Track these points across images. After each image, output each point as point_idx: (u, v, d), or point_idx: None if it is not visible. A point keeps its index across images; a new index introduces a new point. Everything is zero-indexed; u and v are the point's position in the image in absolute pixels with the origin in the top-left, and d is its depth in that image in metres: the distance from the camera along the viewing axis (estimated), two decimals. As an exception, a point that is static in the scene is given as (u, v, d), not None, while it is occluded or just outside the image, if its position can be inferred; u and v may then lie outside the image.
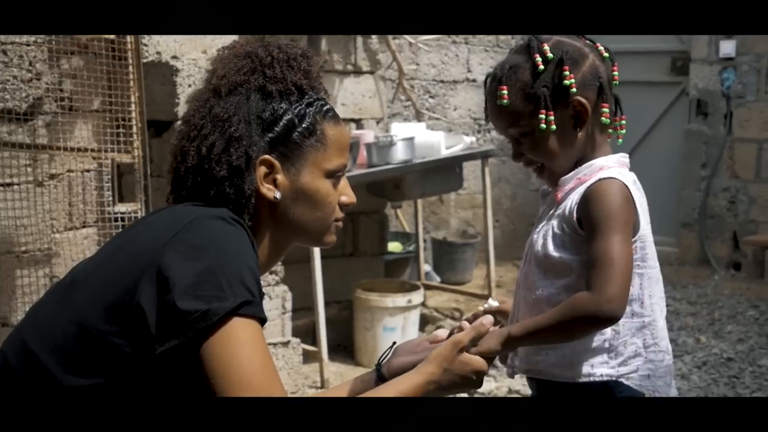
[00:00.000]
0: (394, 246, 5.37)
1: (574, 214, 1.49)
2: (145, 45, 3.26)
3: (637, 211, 1.48)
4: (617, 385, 1.48)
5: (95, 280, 1.33)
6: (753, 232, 6.10)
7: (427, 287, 4.98)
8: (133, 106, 3.02)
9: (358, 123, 4.82)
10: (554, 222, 1.53)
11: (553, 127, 1.50)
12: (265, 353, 1.26)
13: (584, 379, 1.49)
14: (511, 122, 1.55)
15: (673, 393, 1.52)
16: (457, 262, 5.80)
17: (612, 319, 1.42)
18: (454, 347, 1.46)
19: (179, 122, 1.51)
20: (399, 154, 4.19)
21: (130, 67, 3.00)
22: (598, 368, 1.48)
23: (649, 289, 1.50)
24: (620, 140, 1.58)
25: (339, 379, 3.97)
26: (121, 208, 3.13)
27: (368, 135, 4.31)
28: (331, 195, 1.47)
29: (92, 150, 3.07)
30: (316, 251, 3.87)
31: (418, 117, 5.49)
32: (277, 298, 3.81)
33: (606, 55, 1.56)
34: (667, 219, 6.56)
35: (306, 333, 4.24)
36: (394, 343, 1.70)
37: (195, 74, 3.41)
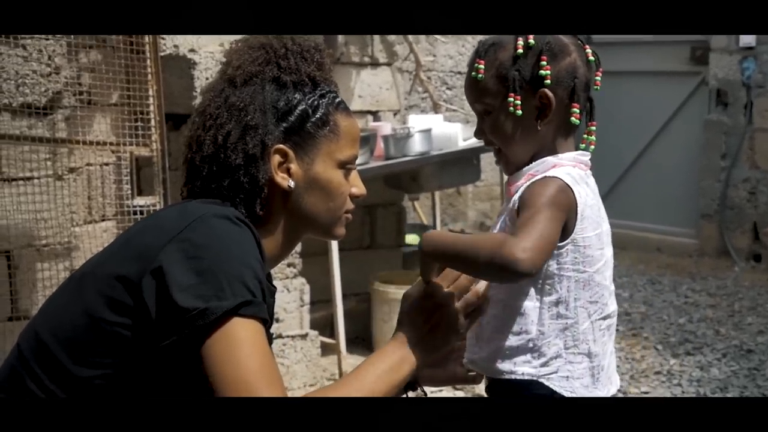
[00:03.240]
0: (411, 238, 5.36)
1: (515, 209, 1.47)
2: (163, 39, 3.28)
3: (575, 214, 1.45)
4: (538, 385, 1.46)
5: (103, 273, 1.34)
6: (773, 223, 6.05)
7: (445, 279, 4.97)
8: (151, 99, 3.03)
9: (375, 115, 4.81)
10: (505, 217, 1.52)
11: (519, 111, 1.48)
12: (264, 353, 1.24)
13: (507, 376, 1.48)
14: (478, 97, 1.54)
15: (598, 395, 1.49)
16: (475, 254, 5.77)
17: (516, 272, 1.34)
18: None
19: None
20: (416, 146, 4.18)
21: (148, 61, 3.02)
22: (520, 366, 1.47)
23: (575, 292, 1.47)
24: (592, 147, 1.54)
25: (357, 371, 3.97)
26: (140, 201, 3.15)
27: (385, 127, 4.30)
28: (343, 185, 1.49)
29: (111, 143, 3.09)
30: (334, 244, 3.88)
31: (436, 109, 5.47)
32: (295, 290, 3.82)
33: (591, 59, 1.54)
34: (687, 210, 6.52)
35: (324, 325, 4.24)
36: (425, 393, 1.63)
37: (212, 67, 3.42)
